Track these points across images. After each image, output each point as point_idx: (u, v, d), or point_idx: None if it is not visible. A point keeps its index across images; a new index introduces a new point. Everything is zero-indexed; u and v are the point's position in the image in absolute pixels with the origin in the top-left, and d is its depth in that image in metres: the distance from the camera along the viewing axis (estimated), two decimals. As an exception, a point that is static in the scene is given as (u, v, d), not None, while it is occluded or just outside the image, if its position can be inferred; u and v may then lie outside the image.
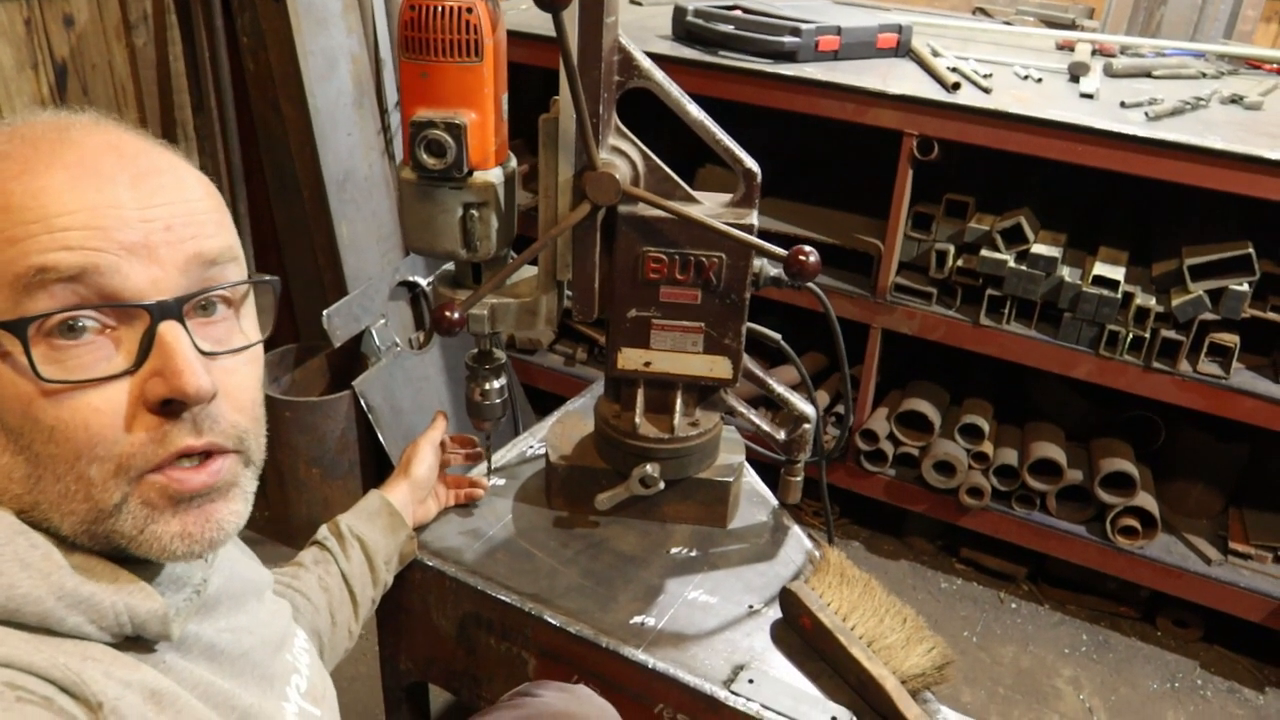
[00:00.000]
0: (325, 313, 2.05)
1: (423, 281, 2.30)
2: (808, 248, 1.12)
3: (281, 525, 2.21)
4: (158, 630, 0.65)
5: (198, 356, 0.63)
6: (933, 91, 1.90)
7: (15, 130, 0.64)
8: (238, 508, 0.68)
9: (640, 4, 2.60)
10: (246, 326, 0.71)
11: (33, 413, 0.60)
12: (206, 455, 0.65)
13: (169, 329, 0.63)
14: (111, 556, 0.65)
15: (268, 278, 0.73)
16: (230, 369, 0.68)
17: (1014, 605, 2.22)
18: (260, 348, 0.72)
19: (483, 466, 1.46)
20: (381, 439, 2.12)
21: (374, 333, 2.18)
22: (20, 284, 0.59)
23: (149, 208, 0.63)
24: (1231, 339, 1.84)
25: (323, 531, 1.21)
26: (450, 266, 1.30)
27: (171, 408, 0.63)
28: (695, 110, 1.20)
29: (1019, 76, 2.05)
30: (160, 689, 0.64)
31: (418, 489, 1.31)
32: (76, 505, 0.62)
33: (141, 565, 0.67)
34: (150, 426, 0.62)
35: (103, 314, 0.61)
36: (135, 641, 0.65)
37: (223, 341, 0.67)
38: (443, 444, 1.37)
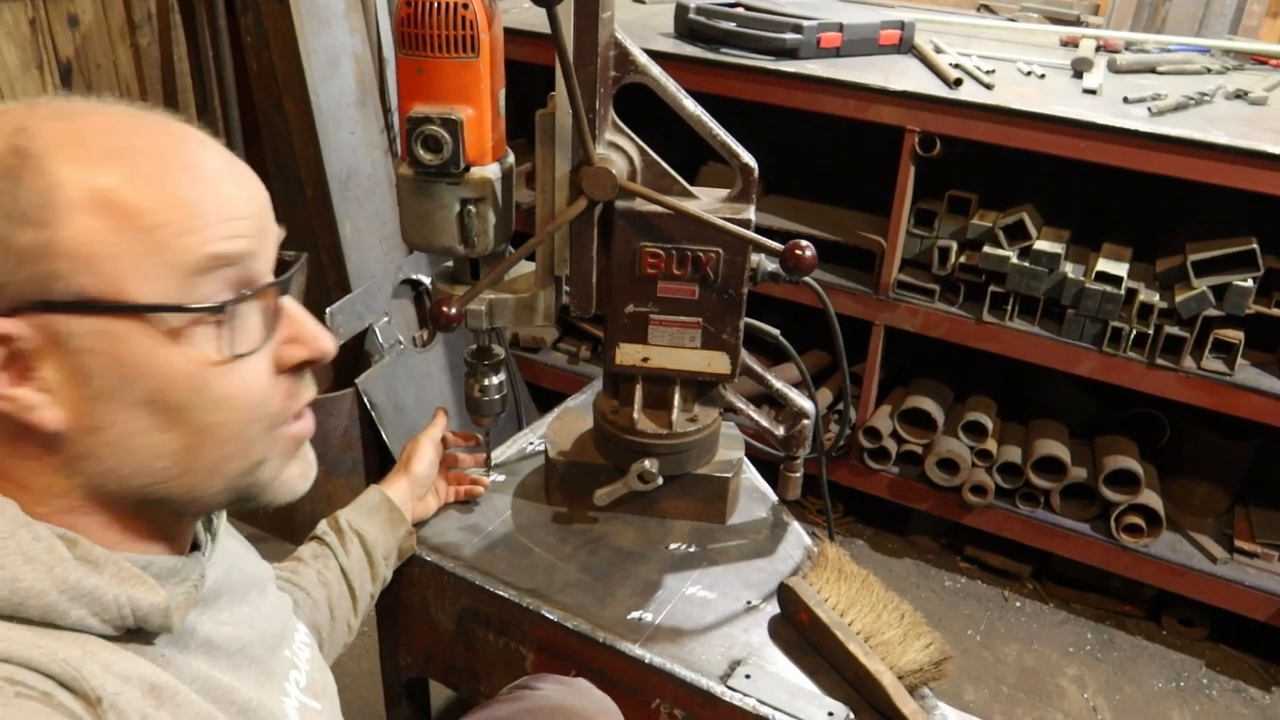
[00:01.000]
0: (328, 310, 2.06)
1: (426, 280, 2.31)
2: (804, 242, 1.12)
3: (285, 522, 2.22)
4: (160, 623, 0.65)
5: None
6: (935, 88, 1.90)
7: (110, 119, 0.65)
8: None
9: (643, 2, 2.60)
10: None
11: (203, 386, 0.65)
12: None
13: (289, 302, 0.71)
14: (148, 526, 0.69)
15: (305, 254, 0.79)
16: None
17: (1018, 604, 2.21)
18: None
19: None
20: (385, 437, 2.12)
21: (377, 331, 2.18)
22: (195, 269, 0.63)
23: (256, 195, 0.70)
24: (1236, 335, 1.83)
25: (322, 526, 1.21)
26: (449, 263, 1.30)
27: (301, 369, 0.71)
28: (692, 105, 1.20)
29: (1022, 73, 2.04)
30: (159, 683, 0.64)
31: (417, 485, 1.31)
32: (233, 465, 0.68)
33: (139, 558, 0.67)
34: (284, 386, 0.70)
35: (256, 294, 0.68)
36: (134, 635, 0.66)
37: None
38: (445, 440, 1.38)
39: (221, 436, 0.67)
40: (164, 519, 0.70)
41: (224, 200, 0.65)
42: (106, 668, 0.61)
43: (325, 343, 0.71)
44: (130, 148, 0.64)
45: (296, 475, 0.74)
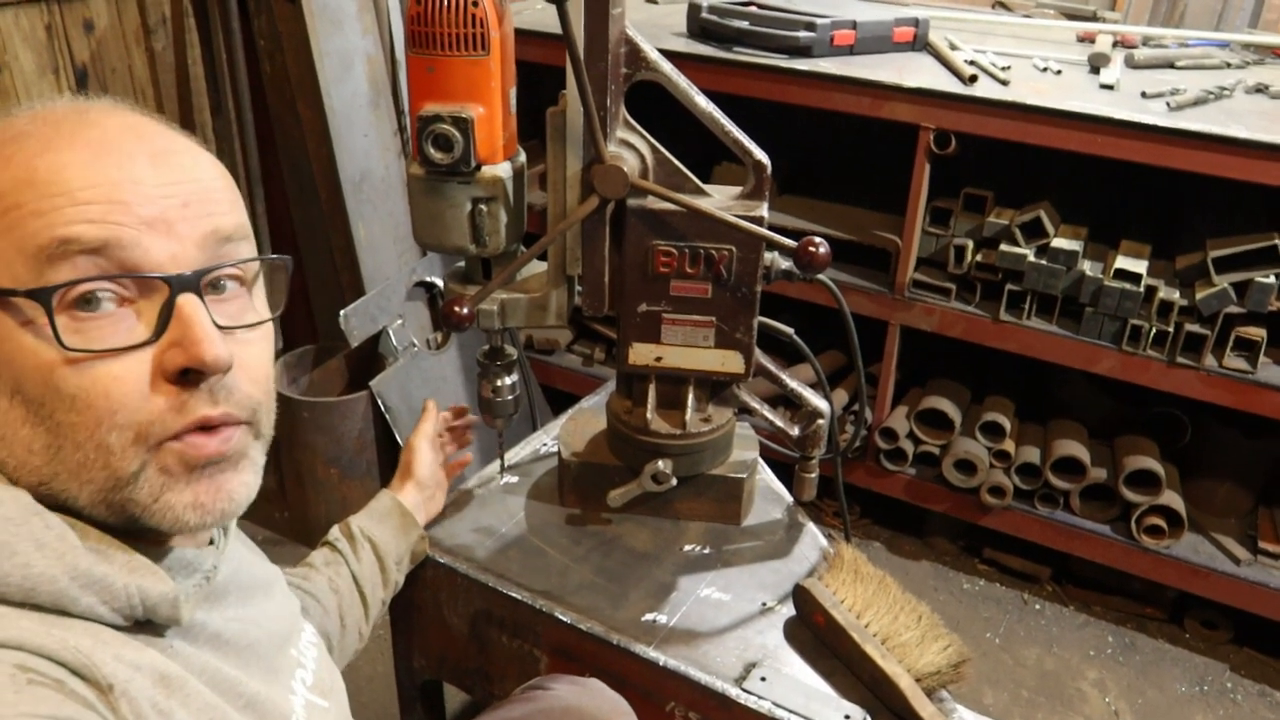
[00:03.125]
0: (342, 313, 2.06)
1: (440, 282, 2.31)
2: (817, 239, 1.11)
3: (300, 525, 2.22)
4: (168, 614, 0.65)
5: (215, 328, 0.65)
6: (950, 85, 1.88)
7: (36, 114, 0.66)
8: (248, 479, 0.69)
9: (656, 2, 2.60)
10: (259, 304, 0.73)
11: (54, 381, 0.61)
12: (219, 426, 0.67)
13: (187, 300, 0.64)
14: (125, 533, 0.65)
15: (278, 257, 0.76)
16: (245, 342, 0.69)
17: (1038, 606, 2.18)
18: (271, 326, 0.73)
19: (495, 464, 1.47)
20: (399, 439, 2.12)
21: (391, 333, 2.18)
22: (44, 255, 0.60)
23: (167, 184, 0.65)
24: (1258, 332, 1.81)
25: (334, 532, 1.21)
26: (461, 263, 1.29)
27: (190, 378, 0.64)
28: (704, 102, 1.19)
29: (1038, 69, 2.02)
30: (169, 673, 0.64)
31: (424, 487, 1.32)
32: (95, 474, 0.63)
33: (153, 548, 0.67)
34: (169, 395, 0.64)
35: (123, 285, 0.63)
36: (144, 627, 0.66)
37: (236, 317, 0.69)
38: (443, 435, 1.38)
39: (79, 439, 0.62)
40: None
41: (93, 183, 0.62)
42: (117, 656, 0.61)
43: (204, 349, 0.63)
44: (19, 134, 0.64)
45: (184, 504, 0.65)
